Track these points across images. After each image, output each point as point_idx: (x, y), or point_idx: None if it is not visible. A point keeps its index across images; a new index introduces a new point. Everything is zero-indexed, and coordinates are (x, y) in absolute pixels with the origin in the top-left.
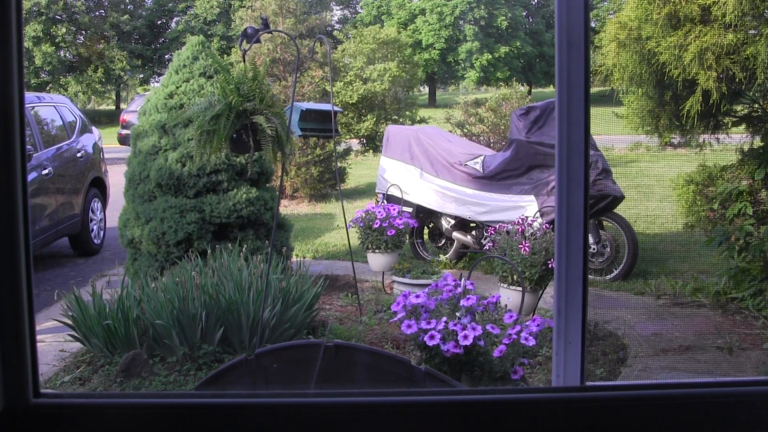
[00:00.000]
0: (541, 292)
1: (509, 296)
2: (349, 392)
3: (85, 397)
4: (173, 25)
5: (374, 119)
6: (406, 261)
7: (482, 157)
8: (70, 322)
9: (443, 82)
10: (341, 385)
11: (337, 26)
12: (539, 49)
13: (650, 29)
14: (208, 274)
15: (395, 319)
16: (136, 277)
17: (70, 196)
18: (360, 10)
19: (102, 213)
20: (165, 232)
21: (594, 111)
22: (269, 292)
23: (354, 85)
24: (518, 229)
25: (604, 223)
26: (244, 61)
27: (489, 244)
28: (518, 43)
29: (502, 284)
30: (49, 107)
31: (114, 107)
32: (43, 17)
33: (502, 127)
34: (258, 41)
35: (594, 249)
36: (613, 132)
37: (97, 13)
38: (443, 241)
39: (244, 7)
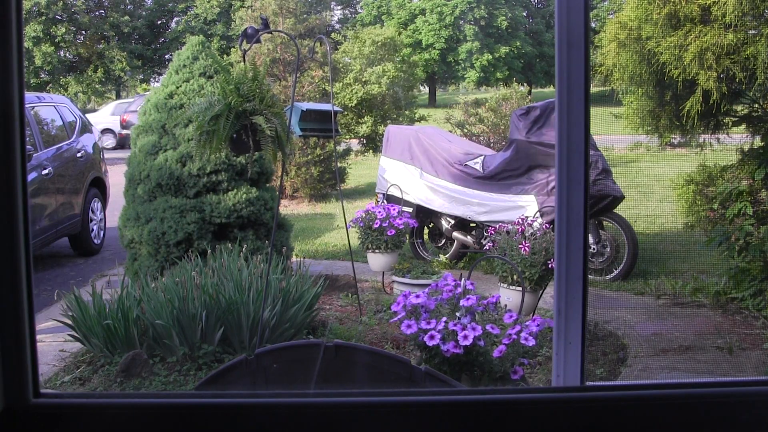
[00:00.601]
0: (541, 292)
1: (509, 296)
2: (349, 392)
3: (85, 397)
4: (173, 25)
5: (373, 120)
6: (406, 261)
7: (482, 157)
8: (70, 322)
9: (443, 82)
10: (341, 385)
11: (337, 26)
12: (539, 49)
13: (650, 29)
14: (208, 274)
15: (395, 319)
16: (136, 277)
17: (70, 196)
18: (360, 10)
19: (102, 213)
20: (165, 232)
21: (594, 111)
22: (269, 292)
23: (353, 87)
24: (518, 229)
25: (604, 223)
26: (244, 61)
27: (489, 244)
28: (518, 43)
29: (502, 284)
30: (49, 107)
31: None
32: (43, 17)
33: (502, 127)
34: (258, 41)
35: (594, 249)
36: (613, 132)
37: (97, 13)
38: (443, 241)
39: (244, 7)
